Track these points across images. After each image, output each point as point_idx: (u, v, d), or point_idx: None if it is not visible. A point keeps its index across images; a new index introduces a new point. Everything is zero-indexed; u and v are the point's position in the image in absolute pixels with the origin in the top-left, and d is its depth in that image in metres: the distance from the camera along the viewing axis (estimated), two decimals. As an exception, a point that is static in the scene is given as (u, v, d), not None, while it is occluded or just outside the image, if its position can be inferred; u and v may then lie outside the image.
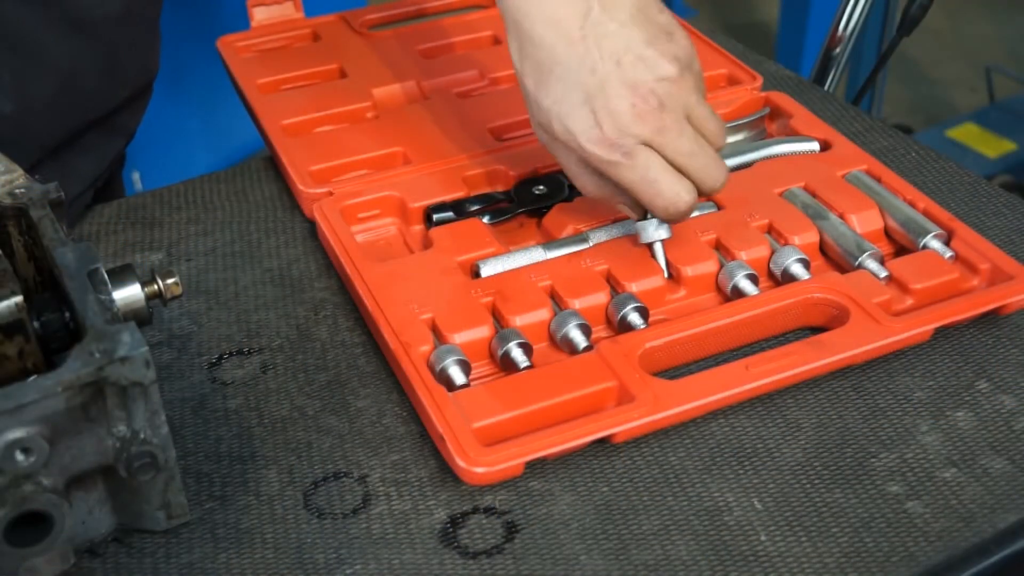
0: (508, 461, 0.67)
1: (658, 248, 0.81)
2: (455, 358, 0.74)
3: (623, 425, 0.70)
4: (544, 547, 0.66)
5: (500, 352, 0.75)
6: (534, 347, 0.77)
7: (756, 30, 3.52)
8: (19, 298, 0.62)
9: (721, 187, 0.77)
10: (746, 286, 0.80)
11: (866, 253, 0.82)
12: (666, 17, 0.76)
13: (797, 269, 0.81)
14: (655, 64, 0.74)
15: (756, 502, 0.67)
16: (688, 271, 0.81)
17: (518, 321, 0.77)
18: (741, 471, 0.70)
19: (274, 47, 1.12)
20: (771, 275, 0.83)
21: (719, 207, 0.87)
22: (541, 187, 0.90)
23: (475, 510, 0.68)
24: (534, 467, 0.70)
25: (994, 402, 0.74)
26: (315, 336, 0.82)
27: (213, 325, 0.83)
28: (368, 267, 0.82)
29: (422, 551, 0.66)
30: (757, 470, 0.70)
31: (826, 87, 1.50)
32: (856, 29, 1.49)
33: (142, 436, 0.61)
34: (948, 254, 0.82)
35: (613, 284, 0.81)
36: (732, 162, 0.93)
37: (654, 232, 0.80)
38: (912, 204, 0.87)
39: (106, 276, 0.65)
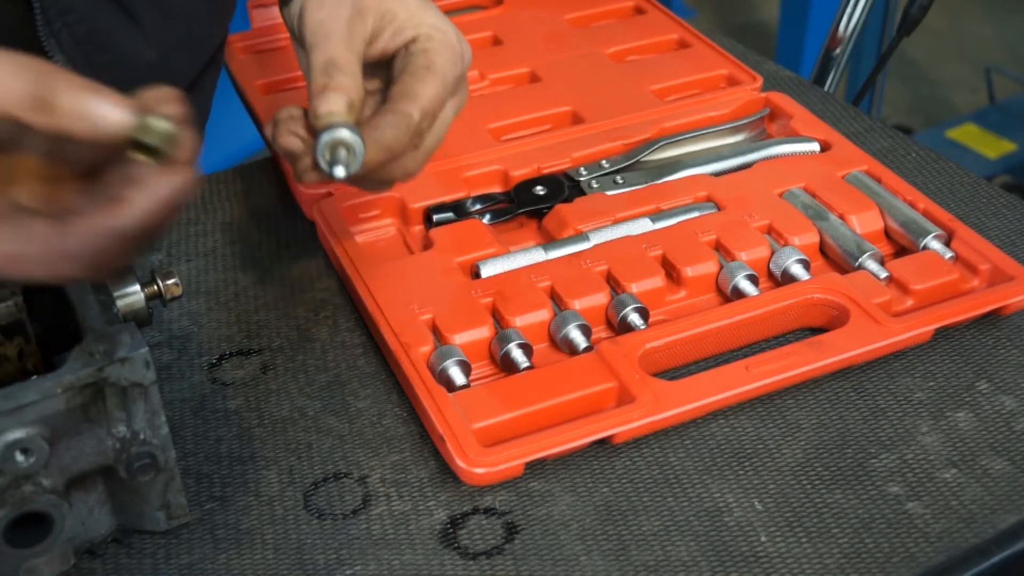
0: (508, 462, 0.67)
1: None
2: (455, 359, 0.74)
3: (623, 426, 0.70)
4: (544, 548, 0.65)
5: (500, 353, 0.75)
6: (534, 348, 0.77)
7: (756, 30, 3.52)
8: (19, 298, 0.62)
9: None
10: (746, 287, 0.80)
11: (866, 254, 0.81)
12: None
13: (797, 270, 0.81)
14: None
15: (756, 503, 0.67)
16: (688, 271, 0.81)
17: (518, 322, 0.77)
18: (741, 472, 0.70)
19: (274, 47, 1.12)
20: (771, 276, 0.83)
21: (719, 208, 0.87)
22: (541, 187, 0.90)
23: (475, 511, 0.68)
24: (534, 468, 0.70)
25: (994, 403, 0.74)
26: (315, 337, 0.82)
27: (213, 326, 0.83)
28: (368, 268, 0.82)
29: (422, 552, 0.66)
30: (757, 471, 0.70)
31: (826, 87, 1.50)
32: (856, 29, 1.49)
33: (142, 437, 0.61)
34: (948, 255, 0.82)
35: (613, 285, 0.81)
36: (732, 162, 0.93)
37: None
38: (912, 205, 0.87)
39: (106, 277, 0.65)
